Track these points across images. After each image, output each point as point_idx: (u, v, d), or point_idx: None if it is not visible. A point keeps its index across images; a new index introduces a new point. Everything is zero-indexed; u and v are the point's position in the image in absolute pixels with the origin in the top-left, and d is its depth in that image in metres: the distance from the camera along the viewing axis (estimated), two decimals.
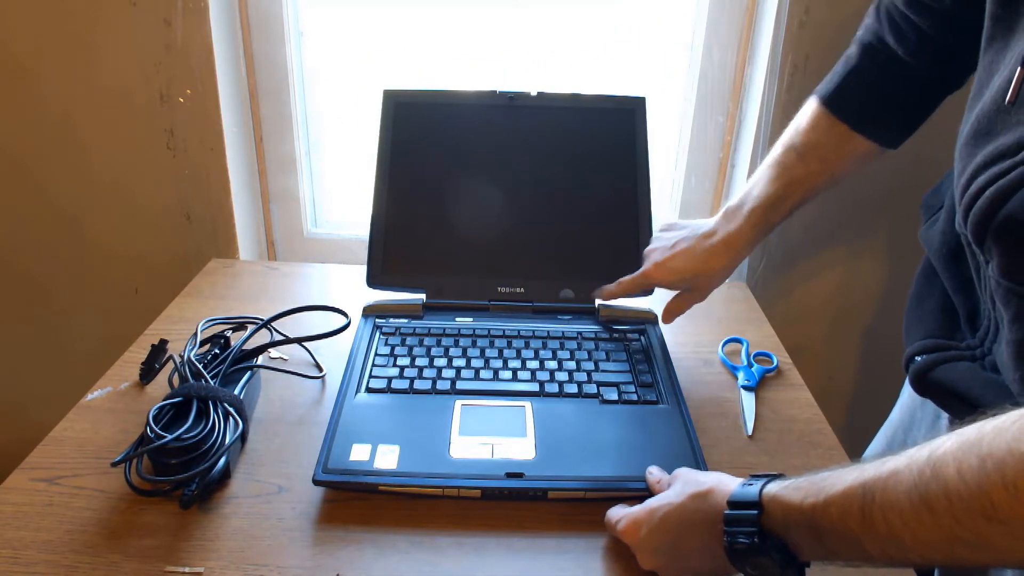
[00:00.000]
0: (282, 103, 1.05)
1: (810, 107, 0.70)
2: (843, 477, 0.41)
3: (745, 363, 0.80)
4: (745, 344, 0.83)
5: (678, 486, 0.53)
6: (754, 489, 0.46)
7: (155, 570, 0.53)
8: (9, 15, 0.92)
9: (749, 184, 0.72)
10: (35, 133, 1.00)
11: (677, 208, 1.10)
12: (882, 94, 0.66)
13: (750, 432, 0.70)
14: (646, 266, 0.77)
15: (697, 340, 0.85)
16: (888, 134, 0.68)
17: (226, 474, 0.61)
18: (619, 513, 0.56)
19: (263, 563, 0.54)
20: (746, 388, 0.76)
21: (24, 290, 1.11)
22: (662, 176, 1.09)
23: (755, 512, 0.45)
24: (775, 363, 0.81)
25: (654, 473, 0.59)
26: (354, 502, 0.60)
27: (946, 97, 0.66)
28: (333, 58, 1.05)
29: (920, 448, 0.38)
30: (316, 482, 0.59)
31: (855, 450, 0.70)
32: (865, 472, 0.40)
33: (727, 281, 1.04)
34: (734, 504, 0.47)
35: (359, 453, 0.61)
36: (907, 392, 0.72)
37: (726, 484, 0.49)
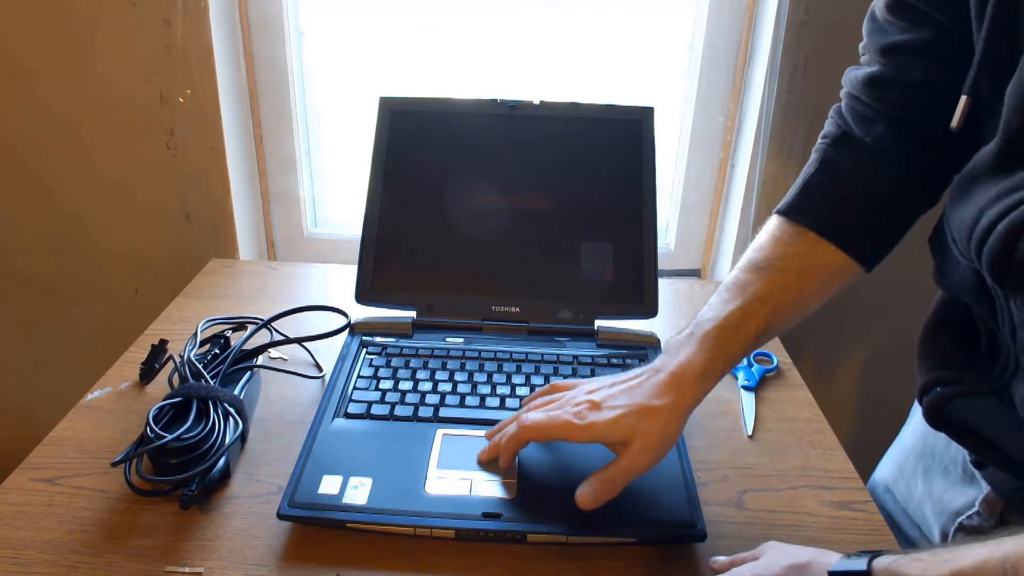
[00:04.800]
0: (282, 103, 1.05)
1: (770, 224, 0.62)
2: (973, 551, 0.39)
3: (745, 363, 0.80)
4: None
5: (771, 557, 0.51)
6: (861, 561, 0.44)
7: (155, 570, 0.53)
8: (9, 15, 0.92)
9: (699, 313, 0.60)
10: (35, 133, 1.00)
11: (677, 208, 1.10)
12: (848, 193, 0.59)
13: (750, 432, 0.70)
14: (584, 419, 0.55)
15: None
16: (860, 245, 0.59)
17: (226, 474, 0.61)
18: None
19: (263, 563, 0.54)
20: (746, 388, 0.76)
21: (24, 290, 1.11)
22: (662, 176, 1.09)
23: None
24: (775, 363, 0.81)
25: (719, 561, 0.54)
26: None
27: (918, 205, 0.60)
28: (333, 58, 1.05)
29: None
30: (281, 516, 0.56)
31: (855, 450, 0.70)
32: (1004, 545, 0.37)
33: None
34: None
35: (329, 485, 0.58)
36: (918, 417, 0.68)
37: (826, 556, 0.48)
